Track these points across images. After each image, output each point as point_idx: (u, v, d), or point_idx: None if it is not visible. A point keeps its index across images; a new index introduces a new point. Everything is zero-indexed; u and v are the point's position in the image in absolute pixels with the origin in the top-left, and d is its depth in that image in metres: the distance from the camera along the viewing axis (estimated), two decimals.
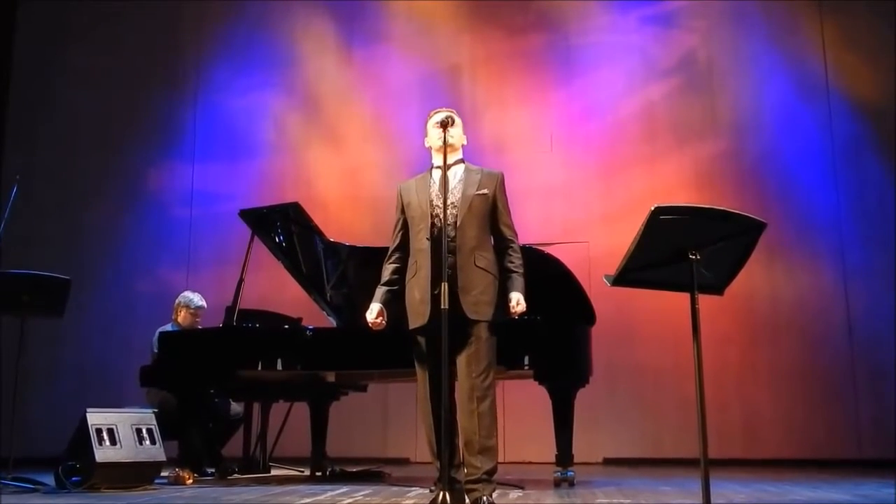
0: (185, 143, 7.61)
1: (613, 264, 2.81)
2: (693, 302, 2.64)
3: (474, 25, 7.36)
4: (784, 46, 6.82)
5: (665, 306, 5.96)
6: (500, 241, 3.31)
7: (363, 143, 7.38)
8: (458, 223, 3.19)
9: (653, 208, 2.55)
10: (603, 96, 7.03)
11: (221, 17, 7.78)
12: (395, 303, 3.32)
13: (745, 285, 6.12)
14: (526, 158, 6.81)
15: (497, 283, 3.21)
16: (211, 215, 7.29)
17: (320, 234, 4.75)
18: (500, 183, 3.34)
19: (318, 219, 4.84)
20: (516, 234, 3.34)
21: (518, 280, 3.23)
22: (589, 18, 7.22)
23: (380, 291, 3.34)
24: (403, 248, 3.35)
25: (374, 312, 3.28)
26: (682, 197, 6.39)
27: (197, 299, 5.30)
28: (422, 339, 3.18)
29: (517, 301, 3.17)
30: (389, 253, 3.40)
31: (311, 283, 4.86)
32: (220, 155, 7.52)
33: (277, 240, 4.85)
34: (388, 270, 3.38)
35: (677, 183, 6.71)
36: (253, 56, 7.65)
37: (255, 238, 4.82)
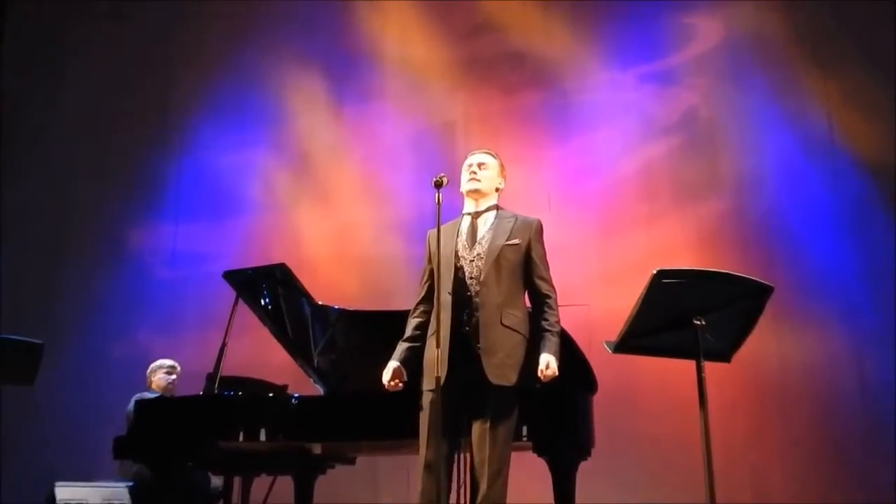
0: (167, 200, 7.63)
1: (615, 328, 2.79)
2: (699, 370, 2.62)
3: (468, 83, 7.46)
4: (787, 103, 6.89)
5: (669, 373, 5.86)
6: (535, 296, 3.22)
7: (354, 202, 7.40)
8: (482, 277, 3.11)
9: (655, 272, 2.55)
10: (601, 155, 7.09)
11: (209, 72, 7.88)
12: (414, 361, 3.23)
13: (753, 351, 6.02)
14: None
15: (526, 343, 3.11)
16: (194, 277, 7.26)
17: (308, 296, 4.70)
18: (536, 232, 3.28)
19: (306, 280, 4.81)
20: (554, 289, 3.25)
21: (551, 341, 3.10)
22: (586, 76, 7.32)
23: (399, 348, 3.24)
24: (428, 300, 3.25)
25: (388, 372, 3.16)
26: (684, 258, 6.38)
27: (169, 361, 5.52)
28: (433, 400, 3.05)
29: (546, 364, 3.04)
30: (414, 305, 3.34)
31: (297, 349, 4.79)
32: (205, 214, 7.53)
33: (263, 303, 4.80)
34: (411, 325, 3.29)
35: (679, 244, 6.71)
36: (241, 112, 7.73)
37: (240, 301, 4.77)
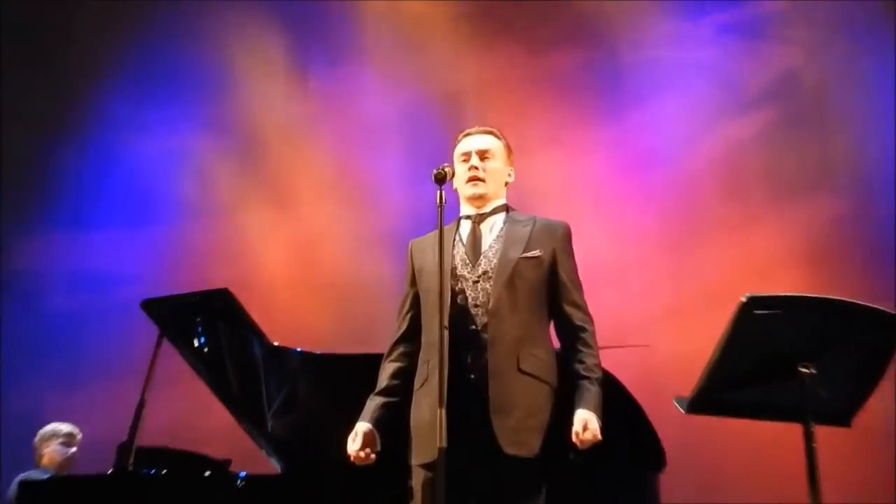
0: (65, 203, 7.64)
1: (688, 378, 2.76)
2: (808, 438, 2.60)
3: (482, 39, 7.47)
4: None
5: (761, 436, 5.84)
6: (565, 329, 3.17)
7: (323, 204, 7.41)
8: (490, 303, 3.08)
9: (744, 299, 2.54)
10: (667, 137, 7.06)
11: (126, 30, 7.89)
12: (390, 422, 3.21)
13: (878, 407, 6.01)
14: None
15: (554, 396, 3.08)
16: (100, 307, 7.27)
17: (259, 334, 4.71)
18: (563, 239, 3.23)
19: (257, 312, 4.82)
20: (591, 319, 3.19)
21: (590, 391, 3.04)
22: (646, 27, 7.32)
23: (370, 405, 3.21)
24: (411, 337, 3.25)
25: (357, 439, 3.12)
26: (785, 280, 6.35)
27: (66, 426, 5.55)
28: (427, 481, 3.00)
29: (584, 424, 2.97)
30: (391, 345, 3.32)
31: (243, 407, 4.80)
32: (117, 220, 7.54)
33: (197, 343, 4.82)
34: (386, 372, 3.27)
35: (777, 260, 6.67)
36: (167, 83, 7.76)
37: (164, 340, 4.78)
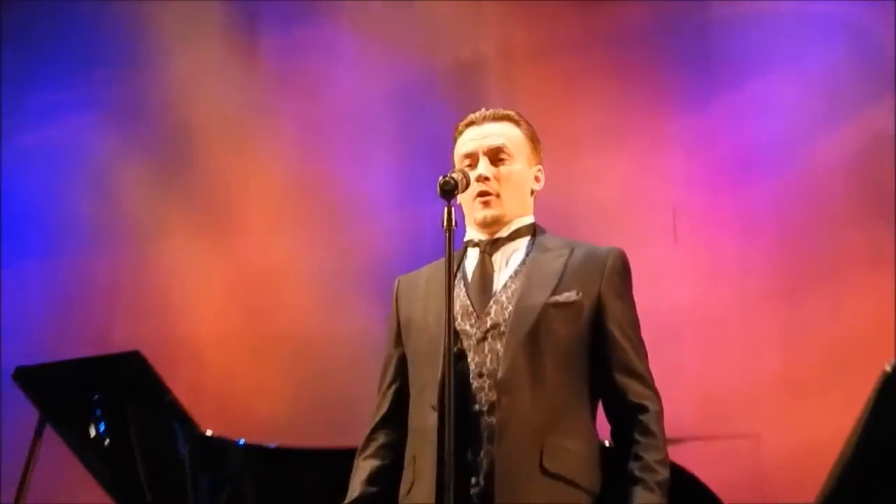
0: None
1: (806, 478, 2.76)
2: None
3: None
4: None
5: None
6: (617, 408, 3.13)
7: (280, 227, 7.43)
8: (501, 372, 3.04)
9: (889, 369, 2.52)
10: (778, 129, 7.05)
11: None
12: None
13: None
14: None
15: None
16: None
17: (185, 418, 4.76)
18: (616, 275, 3.16)
19: (183, 384, 4.85)
20: (656, 394, 3.12)
21: (646, 499, 2.97)
22: None
23: None
24: (396, 421, 3.26)
25: None
26: None
27: None
28: None
29: None
30: (368, 434, 3.33)
31: None
32: None
33: (93, 431, 4.85)
34: (360, 474, 3.28)
35: None
36: (58, 55, 7.81)
37: (47, 426, 4.80)
